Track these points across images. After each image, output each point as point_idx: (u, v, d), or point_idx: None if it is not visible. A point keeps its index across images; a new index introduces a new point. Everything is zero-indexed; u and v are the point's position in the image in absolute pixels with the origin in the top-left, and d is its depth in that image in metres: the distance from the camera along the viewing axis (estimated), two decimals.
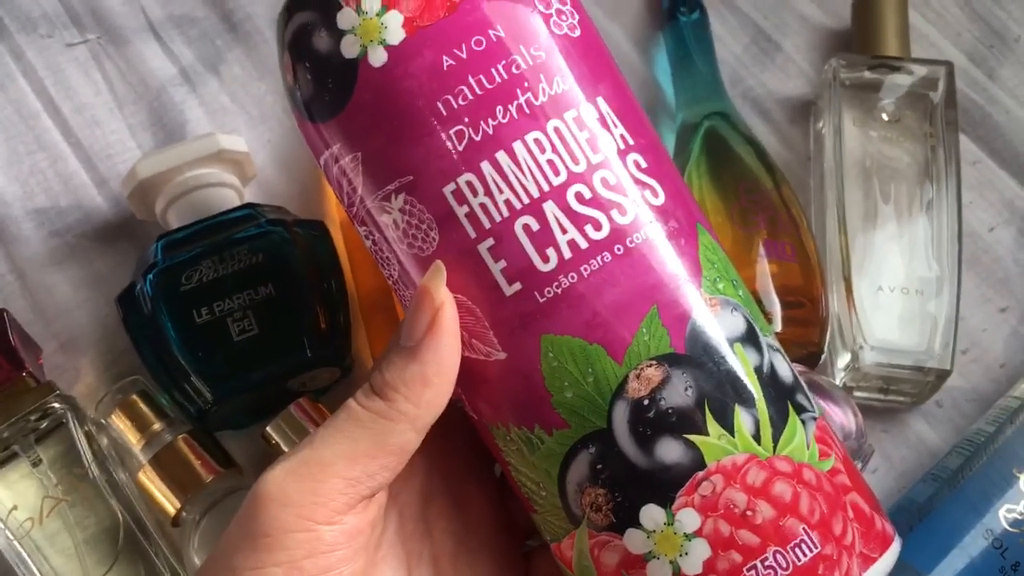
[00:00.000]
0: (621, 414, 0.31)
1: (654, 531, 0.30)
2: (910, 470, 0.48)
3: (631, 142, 0.32)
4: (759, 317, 0.34)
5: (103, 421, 0.45)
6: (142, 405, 0.45)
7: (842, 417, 0.44)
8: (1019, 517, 0.42)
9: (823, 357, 0.48)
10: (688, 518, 0.30)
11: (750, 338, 0.32)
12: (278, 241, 0.46)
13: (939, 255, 0.48)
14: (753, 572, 0.30)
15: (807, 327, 0.47)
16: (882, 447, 0.48)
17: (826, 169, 0.50)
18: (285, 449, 0.44)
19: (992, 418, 0.46)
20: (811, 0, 0.57)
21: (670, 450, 0.30)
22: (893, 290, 0.48)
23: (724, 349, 0.31)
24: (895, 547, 0.33)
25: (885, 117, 0.51)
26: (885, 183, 0.50)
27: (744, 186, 0.49)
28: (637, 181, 0.32)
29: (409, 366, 0.31)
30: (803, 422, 0.32)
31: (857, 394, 0.48)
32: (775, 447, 0.31)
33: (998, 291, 0.51)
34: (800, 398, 0.33)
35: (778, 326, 0.46)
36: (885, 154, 0.50)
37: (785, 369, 0.33)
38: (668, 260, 0.31)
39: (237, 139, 0.49)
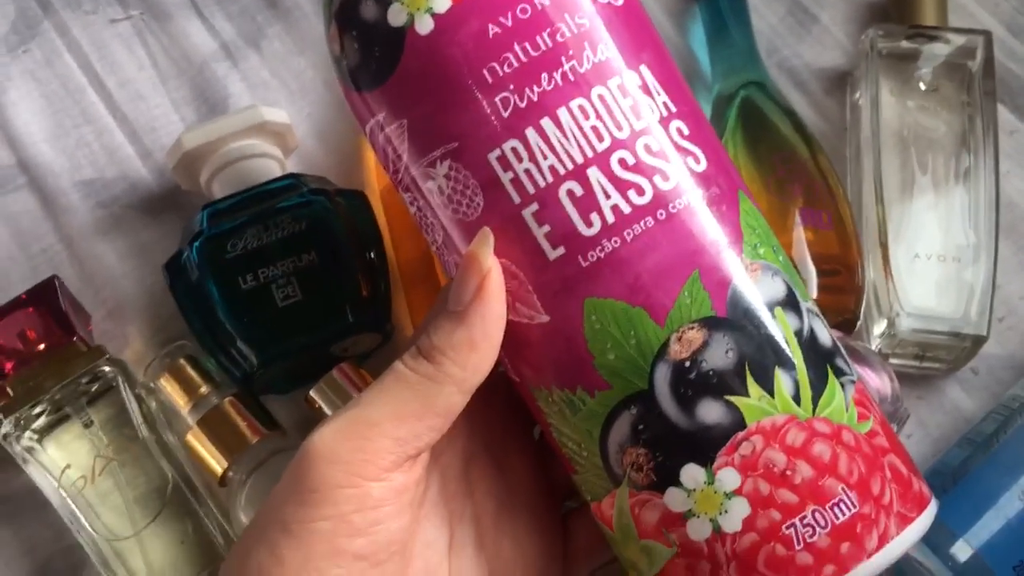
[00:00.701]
0: (663, 376, 0.31)
1: (694, 490, 0.31)
2: (945, 436, 0.49)
3: (673, 109, 0.33)
4: (799, 283, 0.34)
5: (152, 385, 0.46)
6: (189, 369, 0.46)
7: (878, 382, 0.45)
8: None
9: (859, 324, 0.48)
10: (728, 477, 0.31)
11: (790, 302, 0.33)
12: (320, 210, 0.46)
13: (976, 223, 0.48)
14: (792, 530, 0.31)
15: (843, 294, 0.48)
16: (918, 413, 0.49)
17: (863, 139, 0.51)
18: (328, 412, 0.45)
19: None
20: None
21: (711, 411, 0.31)
22: (930, 257, 0.48)
23: (764, 313, 0.32)
24: (932, 508, 0.34)
25: (922, 87, 0.51)
26: (922, 153, 0.50)
27: (780, 156, 0.50)
28: (679, 148, 0.32)
29: (456, 330, 0.32)
30: (842, 385, 0.33)
31: (893, 361, 0.48)
32: (814, 409, 0.32)
33: None
34: (839, 362, 0.33)
35: (814, 293, 0.46)
36: (922, 124, 0.51)
37: (824, 334, 0.34)
38: (709, 225, 0.32)
39: (279, 111, 0.50)
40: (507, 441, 0.39)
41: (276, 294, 0.45)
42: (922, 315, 0.47)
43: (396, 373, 0.33)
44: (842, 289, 0.48)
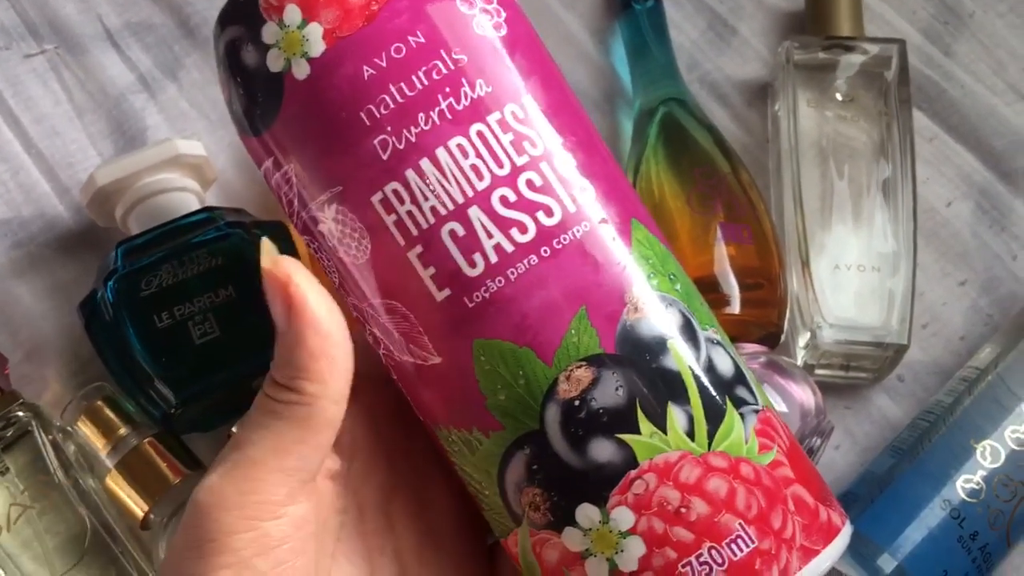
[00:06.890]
0: (553, 415, 0.31)
1: (590, 529, 0.31)
2: (874, 445, 0.49)
3: (560, 140, 0.32)
4: (699, 310, 0.34)
5: (69, 428, 0.46)
6: (107, 411, 0.45)
7: (801, 395, 0.45)
8: (976, 487, 0.43)
9: (783, 337, 0.48)
10: (622, 516, 0.30)
11: (686, 333, 0.32)
12: (237, 243, 0.46)
13: (896, 232, 0.48)
14: (688, 568, 0.30)
15: (766, 308, 0.48)
16: (845, 423, 0.49)
17: (782, 150, 0.50)
18: None
19: (950, 389, 0.46)
20: None
21: (602, 450, 0.31)
22: (850, 268, 0.48)
23: (656, 347, 0.31)
24: (842, 537, 0.33)
25: (839, 97, 0.51)
26: (841, 162, 0.50)
27: (701, 171, 0.49)
28: (565, 181, 0.32)
29: (295, 351, 0.31)
30: (742, 416, 0.32)
31: (819, 372, 0.48)
32: (710, 443, 0.31)
33: (957, 265, 0.51)
34: (740, 391, 0.33)
35: (737, 308, 0.46)
36: (841, 133, 0.50)
37: (725, 362, 0.33)
38: (597, 260, 0.31)
39: (195, 143, 0.49)
40: (430, 473, 0.39)
41: (193, 331, 0.45)
42: (844, 326, 0.47)
43: (264, 407, 0.32)
44: (765, 302, 0.48)
